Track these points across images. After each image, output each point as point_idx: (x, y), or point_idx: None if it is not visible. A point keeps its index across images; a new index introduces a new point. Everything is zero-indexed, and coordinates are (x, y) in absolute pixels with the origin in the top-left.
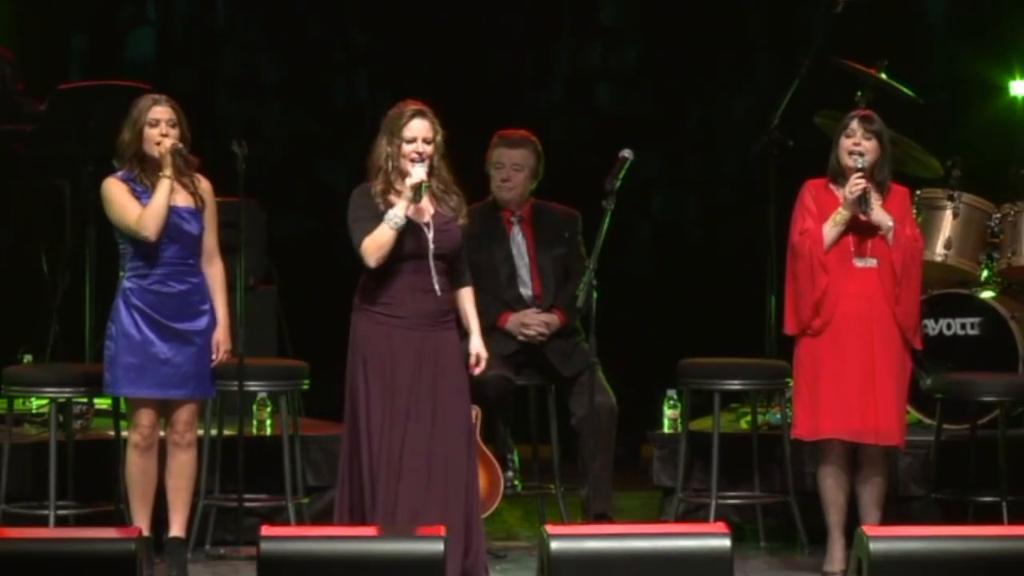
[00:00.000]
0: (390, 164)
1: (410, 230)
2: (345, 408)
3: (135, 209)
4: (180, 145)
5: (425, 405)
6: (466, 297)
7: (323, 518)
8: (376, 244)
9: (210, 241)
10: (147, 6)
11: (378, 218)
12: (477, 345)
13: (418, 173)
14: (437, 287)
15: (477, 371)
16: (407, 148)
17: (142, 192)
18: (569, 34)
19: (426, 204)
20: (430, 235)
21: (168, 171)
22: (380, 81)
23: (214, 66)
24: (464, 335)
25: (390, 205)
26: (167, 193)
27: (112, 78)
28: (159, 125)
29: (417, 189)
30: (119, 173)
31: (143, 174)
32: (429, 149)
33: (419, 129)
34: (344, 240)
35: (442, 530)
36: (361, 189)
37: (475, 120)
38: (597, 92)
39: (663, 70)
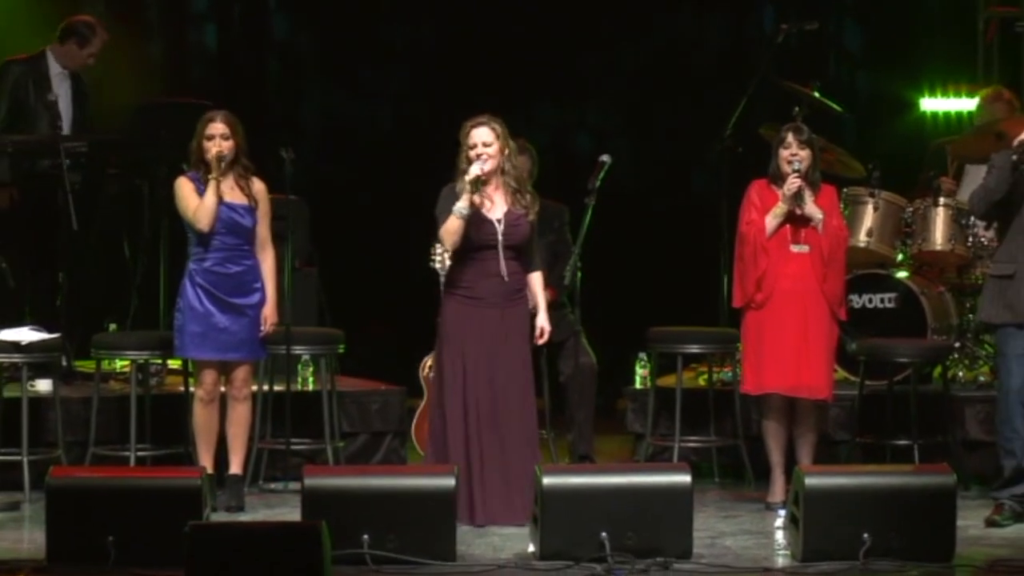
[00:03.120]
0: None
1: (485, 224)
2: (437, 376)
3: (195, 203)
4: (224, 153)
5: (493, 369)
6: (534, 280)
7: (355, 459)
8: (447, 231)
9: (263, 233)
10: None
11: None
12: (542, 320)
13: (473, 170)
14: (505, 272)
15: (541, 341)
16: (471, 153)
17: (205, 190)
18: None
19: (500, 201)
20: (500, 228)
21: (215, 174)
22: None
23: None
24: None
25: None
26: (214, 192)
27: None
28: (214, 139)
29: (473, 183)
30: (189, 173)
31: (207, 175)
32: (490, 151)
33: (478, 136)
34: (370, 229)
35: (454, 468)
36: (448, 187)
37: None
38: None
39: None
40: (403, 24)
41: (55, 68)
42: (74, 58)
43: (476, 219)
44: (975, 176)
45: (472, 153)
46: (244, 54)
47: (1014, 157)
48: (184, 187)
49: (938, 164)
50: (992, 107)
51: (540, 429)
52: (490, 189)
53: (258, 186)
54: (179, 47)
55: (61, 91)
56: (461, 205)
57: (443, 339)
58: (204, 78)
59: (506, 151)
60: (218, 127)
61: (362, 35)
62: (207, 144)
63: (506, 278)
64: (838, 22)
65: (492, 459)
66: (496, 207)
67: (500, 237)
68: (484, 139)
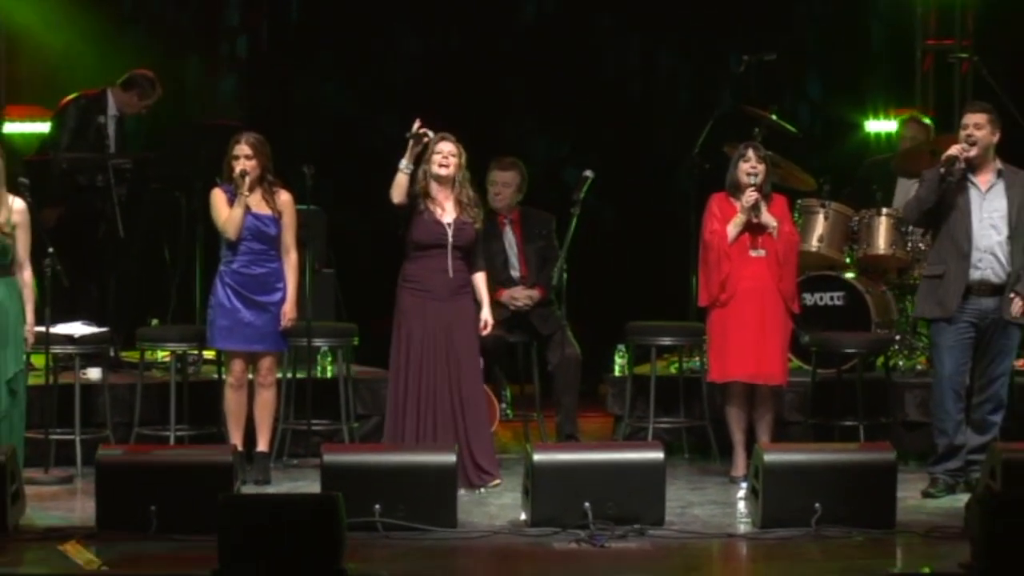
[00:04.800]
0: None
1: (437, 226)
2: (391, 357)
3: (225, 214)
4: (247, 171)
5: (446, 354)
6: (479, 279)
7: (369, 438)
8: (393, 187)
9: (288, 239)
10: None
11: (412, 198)
12: (486, 314)
13: (415, 126)
14: (451, 269)
15: (484, 333)
16: (436, 158)
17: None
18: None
19: (451, 209)
20: (451, 231)
21: (241, 190)
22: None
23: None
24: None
25: (427, 199)
26: (241, 207)
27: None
28: (239, 159)
29: (414, 136)
30: (223, 185)
31: (238, 190)
32: (452, 160)
33: (444, 147)
34: (382, 235)
35: (454, 445)
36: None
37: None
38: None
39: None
40: (413, 35)
41: (111, 109)
42: (132, 106)
43: (430, 221)
44: (906, 189)
45: (437, 158)
46: (271, 66)
47: (941, 170)
48: (218, 198)
49: (875, 178)
50: (909, 128)
51: (531, 412)
52: (441, 197)
53: (284, 197)
54: (212, 60)
55: (111, 126)
56: (403, 162)
57: (396, 327)
58: (234, 91)
59: (462, 171)
60: (243, 148)
61: (371, 43)
62: (234, 163)
63: (451, 274)
64: (795, 56)
65: (440, 435)
66: (447, 213)
67: (450, 238)
68: (450, 151)
